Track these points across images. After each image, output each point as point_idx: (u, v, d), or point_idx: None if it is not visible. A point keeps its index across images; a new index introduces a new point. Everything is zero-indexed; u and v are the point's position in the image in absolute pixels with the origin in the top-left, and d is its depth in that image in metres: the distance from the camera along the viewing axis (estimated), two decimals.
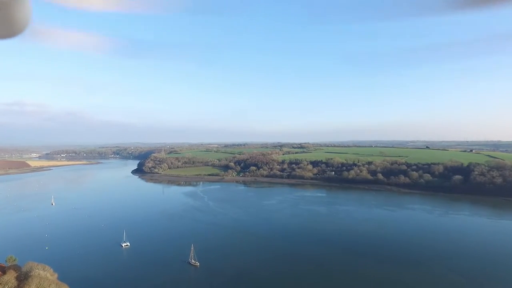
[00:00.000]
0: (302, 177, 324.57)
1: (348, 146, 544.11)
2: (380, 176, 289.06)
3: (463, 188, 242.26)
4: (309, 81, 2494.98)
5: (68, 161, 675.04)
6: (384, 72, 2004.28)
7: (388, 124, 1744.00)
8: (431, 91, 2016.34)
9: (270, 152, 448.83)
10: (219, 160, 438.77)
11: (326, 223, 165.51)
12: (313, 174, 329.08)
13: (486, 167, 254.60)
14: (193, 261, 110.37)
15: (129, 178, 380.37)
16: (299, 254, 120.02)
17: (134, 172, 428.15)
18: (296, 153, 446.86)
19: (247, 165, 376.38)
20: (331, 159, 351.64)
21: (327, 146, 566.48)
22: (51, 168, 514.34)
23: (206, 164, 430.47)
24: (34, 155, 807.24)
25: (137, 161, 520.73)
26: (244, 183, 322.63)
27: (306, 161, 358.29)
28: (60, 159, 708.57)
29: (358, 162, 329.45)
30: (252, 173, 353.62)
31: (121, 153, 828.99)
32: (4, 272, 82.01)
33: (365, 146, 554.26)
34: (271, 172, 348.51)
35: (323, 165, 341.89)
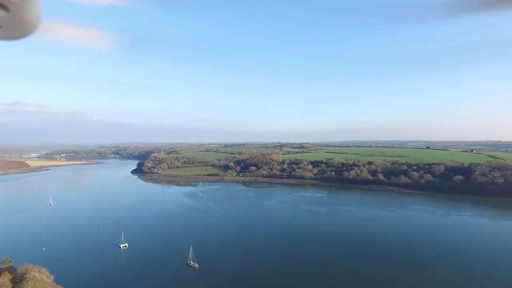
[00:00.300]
0: (302, 177, 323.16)
1: (348, 146, 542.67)
2: (380, 176, 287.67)
3: (464, 188, 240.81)
4: (309, 81, 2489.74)
5: (67, 161, 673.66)
6: (385, 73, 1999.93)
7: (388, 124, 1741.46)
8: (431, 91, 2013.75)
9: (270, 152, 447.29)
10: (219, 160, 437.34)
11: (326, 223, 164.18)
12: (313, 174, 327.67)
13: (487, 168, 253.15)
14: (192, 262, 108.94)
15: (128, 178, 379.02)
16: (299, 255, 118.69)
17: (134, 172, 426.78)
18: (296, 153, 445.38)
19: (247, 165, 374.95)
20: (331, 159, 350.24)
21: (327, 146, 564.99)
22: (51, 168, 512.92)
23: (205, 164, 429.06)
24: (33, 155, 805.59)
25: (137, 161, 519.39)
26: (244, 183, 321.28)
27: (306, 161, 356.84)
28: (59, 159, 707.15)
29: (359, 162, 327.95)
30: (252, 173, 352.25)
31: (121, 153, 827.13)
32: None
33: (365, 146, 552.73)
34: (271, 172, 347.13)
35: (323, 165, 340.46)
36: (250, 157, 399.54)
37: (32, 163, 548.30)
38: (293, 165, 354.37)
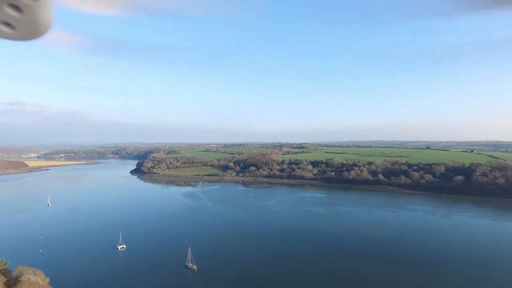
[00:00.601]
0: (302, 178, 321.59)
1: (348, 146, 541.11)
2: (380, 176, 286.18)
3: (465, 188, 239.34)
4: (309, 81, 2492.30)
5: (67, 161, 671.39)
6: (385, 72, 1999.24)
7: (388, 124, 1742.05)
8: (431, 91, 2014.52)
9: (269, 152, 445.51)
10: (218, 160, 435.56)
11: (327, 224, 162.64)
12: (313, 175, 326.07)
13: (488, 168, 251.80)
14: (190, 264, 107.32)
15: (127, 178, 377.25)
16: (299, 256, 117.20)
17: (133, 172, 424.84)
18: (296, 153, 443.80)
19: (247, 165, 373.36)
20: (331, 159, 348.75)
21: (327, 146, 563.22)
22: (50, 168, 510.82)
23: (205, 164, 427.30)
24: (33, 155, 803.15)
25: (136, 161, 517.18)
26: (244, 183, 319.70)
27: (306, 161, 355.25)
28: (59, 159, 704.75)
29: (359, 162, 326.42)
30: (252, 173, 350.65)
31: (120, 153, 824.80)
32: None
33: (365, 146, 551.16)
34: (271, 173, 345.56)
35: (323, 165, 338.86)
36: (249, 157, 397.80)
37: (31, 163, 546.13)
38: (293, 165, 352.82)
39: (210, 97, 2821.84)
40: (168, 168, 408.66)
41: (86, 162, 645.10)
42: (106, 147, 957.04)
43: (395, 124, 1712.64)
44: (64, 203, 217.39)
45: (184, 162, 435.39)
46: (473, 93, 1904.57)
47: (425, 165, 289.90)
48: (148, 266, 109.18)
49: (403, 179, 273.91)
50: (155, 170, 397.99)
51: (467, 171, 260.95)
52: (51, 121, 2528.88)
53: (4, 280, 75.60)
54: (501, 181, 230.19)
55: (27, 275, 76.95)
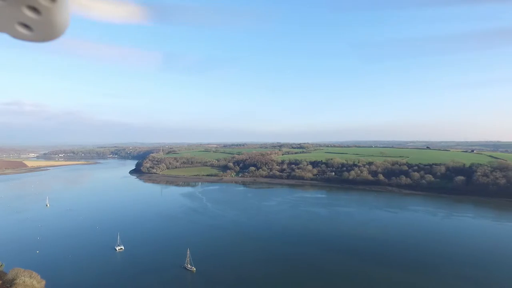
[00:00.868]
0: (301, 178, 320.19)
1: (348, 147, 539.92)
2: (381, 176, 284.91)
3: (466, 189, 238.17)
4: (309, 81, 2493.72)
5: (66, 161, 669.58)
6: (383, 71, 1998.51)
7: (387, 124, 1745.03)
8: (430, 91, 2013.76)
9: (269, 152, 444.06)
10: (217, 160, 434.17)
11: (327, 225, 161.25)
12: (313, 175, 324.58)
13: (489, 168, 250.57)
14: (189, 266, 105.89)
15: (126, 178, 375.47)
16: (299, 257, 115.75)
17: (132, 172, 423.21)
18: (295, 153, 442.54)
19: (246, 166, 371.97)
20: (331, 159, 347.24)
21: (327, 146, 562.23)
22: (49, 168, 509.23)
23: (204, 164, 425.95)
24: (32, 155, 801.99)
25: (136, 161, 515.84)
26: (243, 183, 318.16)
27: (306, 161, 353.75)
28: (58, 159, 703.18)
29: (359, 162, 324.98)
30: (251, 174, 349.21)
31: (120, 153, 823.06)
32: None
33: (365, 147, 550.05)
34: (271, 173, 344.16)
35: (323, 165, 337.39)
36: (249, 158, 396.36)
37: (30, 163, 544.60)
38: (293, 165, 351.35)
39: (210, 97, 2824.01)
40: (167, 168, 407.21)
41: (85, 162, 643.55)
42: (105, 147, 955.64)
43: (394, 124, 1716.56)
44: (62, 204, 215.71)
45: (184, 162, 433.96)
46: (473, 93, 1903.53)
47: (425, 165, 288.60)
48: (146, 267, 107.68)
49: (403, 179, 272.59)
50: (154, 170, 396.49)
51: (467, 171, 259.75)
52: (50, 121, 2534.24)
53: None
54: (502, 181, 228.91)
55: (23, 278, 75.57)
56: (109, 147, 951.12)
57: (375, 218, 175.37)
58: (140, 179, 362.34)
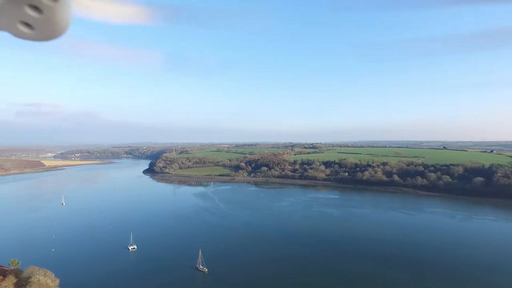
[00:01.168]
0: (314, 178, 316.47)
1: (362, 147, 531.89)
2: (396, 177, 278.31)
3: (486, 190, 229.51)
4: (322, 81, 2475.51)
5: (81, 160, 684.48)
6: (399, 69, 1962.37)
7: (401, 124, 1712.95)
8: (445, 91, 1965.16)
9: (281, 152, 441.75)
10: (230, 160, 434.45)
11: (340, 226, 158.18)
12: (326, 175, 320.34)
13: (510, 169, 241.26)
14: (201, 266, 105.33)
15: (140, 178, 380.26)
16: (312, 259, 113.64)
17: (146, 172, 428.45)
18: (308, 153, 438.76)
19: (258, 166, 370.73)
20: (344, 159, 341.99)
21: (340, 146, 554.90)
22: (65, 167, 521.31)
23: (217, 164, 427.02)
24: (49, 154, 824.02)
25: (149, 161, 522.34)
26: (255, 183, 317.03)
27: (319, 161, 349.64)
28: (74, 159, 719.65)
29: (373, 162, 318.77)
30: (263, 174, 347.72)
31: (133, 153, 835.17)
32: (4, 276, 78.94)
33: (379, 147, 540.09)
34: (283, 173, 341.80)
35: (336, 165, 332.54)
36: (261, 158, 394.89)
37: (47, 163, 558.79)
38: (305, 165, 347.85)
39: (222, 98, 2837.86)
40: (180, 168, 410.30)
41: (100, 161, 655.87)
42: (120, 147, 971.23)
43: (408, 124, 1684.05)
44: (77, 203, 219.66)
45: (196, 162, 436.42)
46: (491, 91, 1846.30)
47: (442, 165, 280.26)
48: (158, 267, 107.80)
49: (419, 180, 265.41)
50: (167, 170, 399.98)
51: (487, 172, 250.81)
52: (67, 122, 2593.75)
53: (15, 280, 75.17)
54: None
55: (37, 276, 76.27)
56: (123, 147, 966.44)
57: (389, 220, 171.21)
58: (153, 178, 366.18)
